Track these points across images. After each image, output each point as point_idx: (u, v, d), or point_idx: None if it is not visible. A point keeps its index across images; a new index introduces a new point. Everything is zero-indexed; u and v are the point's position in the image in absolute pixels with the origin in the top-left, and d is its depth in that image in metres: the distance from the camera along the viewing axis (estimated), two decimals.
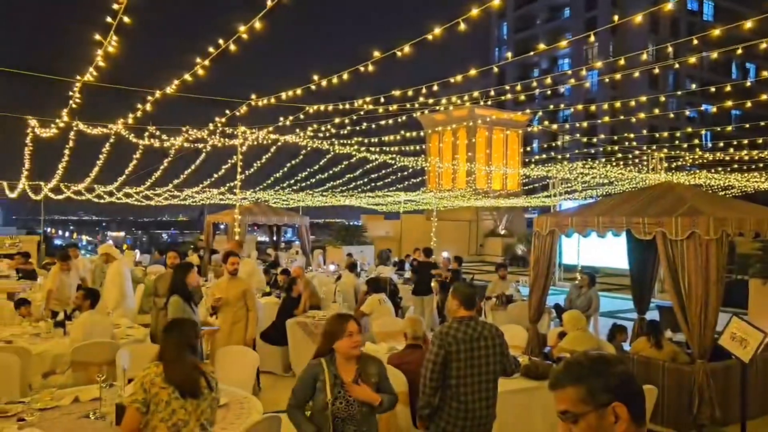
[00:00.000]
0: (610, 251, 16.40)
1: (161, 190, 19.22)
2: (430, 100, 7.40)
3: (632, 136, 17.08)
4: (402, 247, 28.81)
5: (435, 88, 6.47)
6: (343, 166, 16.56)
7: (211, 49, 5.12)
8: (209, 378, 3.67)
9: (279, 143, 11.24)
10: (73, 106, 6.73)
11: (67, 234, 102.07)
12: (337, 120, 8.88)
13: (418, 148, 15.54)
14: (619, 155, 18.90)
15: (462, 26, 4.79)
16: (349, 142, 11.57)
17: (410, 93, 6.82)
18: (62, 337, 7.32)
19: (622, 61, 7.35)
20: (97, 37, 4.84)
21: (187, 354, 3.66)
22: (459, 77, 6.25)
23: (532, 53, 12.00)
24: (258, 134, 9.97)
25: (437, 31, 4.93)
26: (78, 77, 5.73)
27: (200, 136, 10.12)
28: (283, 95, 6.51)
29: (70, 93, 6.35)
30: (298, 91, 6.40)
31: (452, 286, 4.94)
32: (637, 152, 18.03)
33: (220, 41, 5.11)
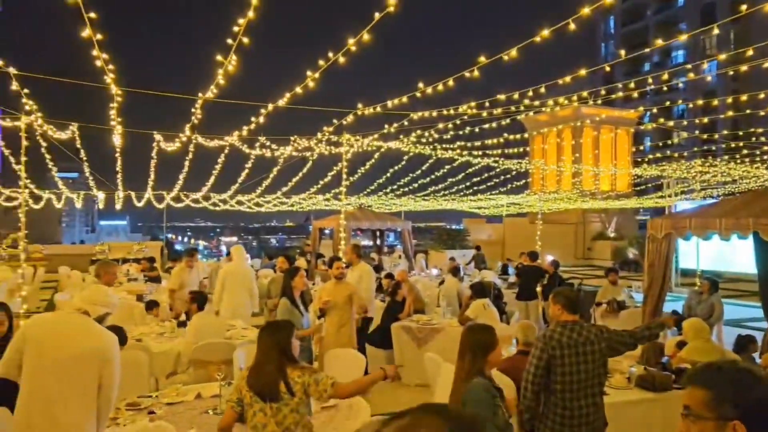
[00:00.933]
0: (733, 254, 15.24)
1: (271, 197, 20.11)
2: (536, 102, 7.21)
3: (759, 130, 15.77)
4: (505, 250, 28.29)
5: (543, 90, 6.30)
6: (445, 170, 16.58)
7: (321, 62, 5.31)
8: (291, 383, 3.65)
9: (382, 149, 11.44)
10: (195, 121, 7.23)
11: (185, 239, 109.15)
12: (440, 125, 8.89)
13: (521, 150, 15.22)
14: (745, 152, 17.52)
15: (572, 26, 4.64)
16: (451, 146, 11.58)
17: (516, 96, 6.69)
18: (184, 336, 7.81)
19: (750, 51, 6.77)
20: (219, 57, 5.15)
21: (275, 357, 3.70)
22: (568, 78, 6.06)
23: (647, 49, 11.34)
24: (363, 142, 10.21)
25: (545, 32, 4.80)
26: (200, 94, 6.15)
27: (307, 145, 10.50)
28: (389, 103, 6.62)
29: (192, 109, 6.85)
30: (404, 99, 6.48)
31: (553, 290, 4.79)
32: (766, 147, 16.64)
33: (330, 54, 5.29)
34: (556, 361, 4.21)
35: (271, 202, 21.83)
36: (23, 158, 8.85)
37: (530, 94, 6.65)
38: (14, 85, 5.91)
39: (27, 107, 6.91)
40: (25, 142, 8.65)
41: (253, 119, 7.42)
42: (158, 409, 4.83)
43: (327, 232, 22.17)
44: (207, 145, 9.93)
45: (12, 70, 5.44)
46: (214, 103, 6.35)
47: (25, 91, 6.12)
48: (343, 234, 11.22)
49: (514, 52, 5.17)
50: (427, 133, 9.26)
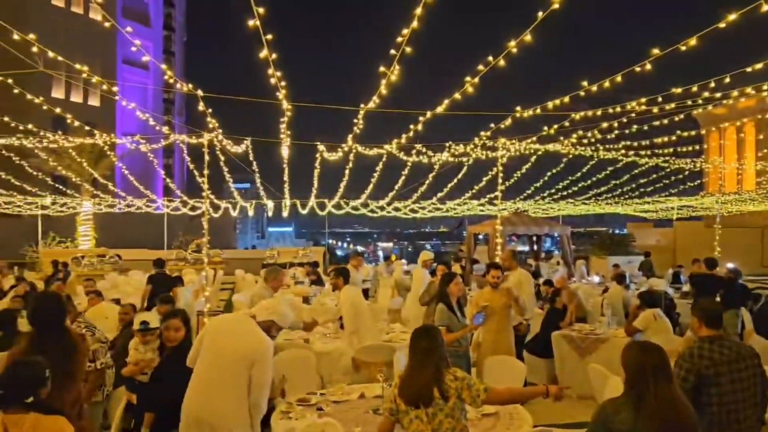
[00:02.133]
0: None
1: (426, 203, 20.40)
2: (718, 94, 6.49)
3: None
4: (676, 257, 26.07)
5: (727, 80, 5.68)
6: (607, 172, 15.58)
7: (480, 67, 5.29)
8: (444, 388, 3.59)
9: (540, 152, 11.10)
10: (356, 131, 7.56)
11: (345, 245, 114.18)
12: (604, 125, 8.37)
13: (694, 148, 13.90)
14: None
15: (765, 7, 4.13)
16: (615, 146, 10.88)
17: (695, 88, 6.09)
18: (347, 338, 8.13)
19: None
20: (381, 68, 5.32)
21: (430, 362, 3.64)
22: (759, 65, 5.41)
23: None
24: (519, 145, 9.98)
25: (732, 17, 4.32)
26: (362, 105, 6.43)
27: (463, 151, 10.47)
28: (550, 104, 6.40)
29: (355, 120, 7.17)
30: (566, 99, 6.23)
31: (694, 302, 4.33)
32: None
33: (489, 58, 5.24)
34: (709, 381, 3.80)
35: (426, 208, 22.14)
36: (206, 171, 9.80)
37: (712, 85, 6.02)
38: (200, 106, 6.63)
39: (210, 125, 7.66)
40: (207, 157, 9.60)
41: (411, 127, 7.57)
42: (326, 406, 5.09)
43: (481, 237, 21.96)
44: (366, 154, 10.32)
45: (200, 93, 6.09)
46: (375, 113, 6.59)
47: (209, 110, 6.82)
48: (499, 239, 11.02)
49: (693, 41, 4.71)
50: (589, 134, 8.78)
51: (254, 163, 13.00)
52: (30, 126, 9.20)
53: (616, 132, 8.81)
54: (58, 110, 8.34)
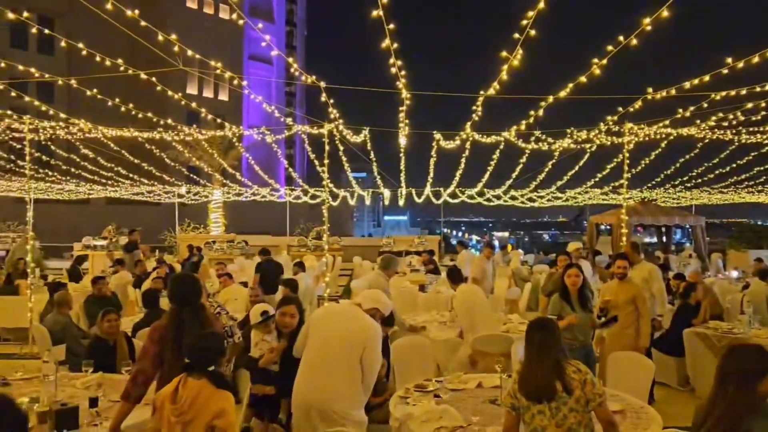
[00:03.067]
0: None
1: (544, 191, 19.78)
2: None
3: None
4: None
5: None
6: (750, 157, 14.12)
7: (609, 47, 4.96)
8: (567, 380, 3.47)
9: (671, 137, 10.33)
10: (475, 119, 7.44)
11: (459, 233, 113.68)
12: (749, 105, 7.56)
13: None
14: None
15: None
16: (760, 129, 9.80)
17: None
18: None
19: None
20: (504, 53, 5.17)
21: (549, 354, 3.54)
22: None
23: None
24: (648, 130, 9.31)
25: None
26: (481, 92, 6.30)
27: (585, 137, 9.96)
28: (687, 84, 5.88)
29: (473, 107, 7.05)
30: (705, 78, 5.69)
31: None
32: None
33: (620, 38, 4.91)
34: None
35: (545, 196, 21.47)
36: (326, 161, 10.10)
37: None
38: (322, 97, 6.83)
39: (332, 116, 7.86)
40: (327, 147, 9.89)
41: (531, 113, 7.31)
42: (443, 394, 5.09)
43: (604, 227, 20.96)
44: (483, 142, 10.13)
45: (322, 84, 6.27)
46: (494, 100, 6.46)
47: (331, 101, 7.01)
48: (624, 230, 10.44)
49: None
50: (731, 116, 7.94)
51: (372, 152, 13.22)
52: (169, 120, 9.96)
53: (763, 113, 7.90)
54: (194, 105, 8.95)
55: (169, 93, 7.65)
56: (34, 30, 6.13)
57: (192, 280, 4.46)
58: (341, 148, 12.39)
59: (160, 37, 5.80)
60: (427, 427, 4.33)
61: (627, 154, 9.87)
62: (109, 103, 7.75)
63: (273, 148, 15.71)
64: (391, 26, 4.87)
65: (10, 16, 5.62)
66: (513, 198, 21.92)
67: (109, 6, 4.98)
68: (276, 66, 53.27)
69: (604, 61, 5.13)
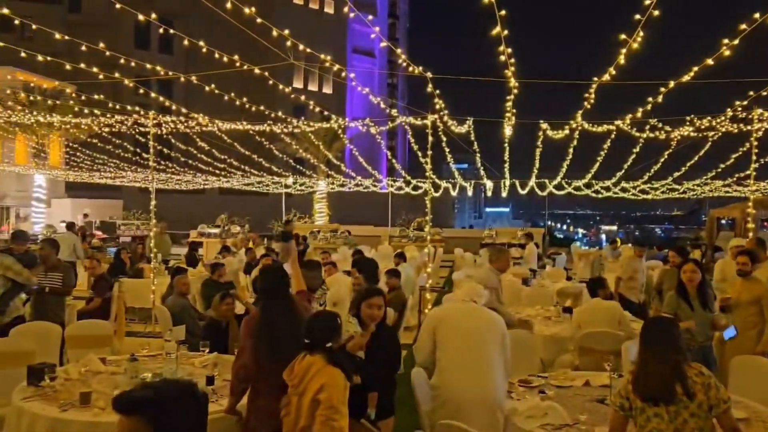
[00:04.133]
0: None
1: (658, 183, 18.65)
2: None
3: None
4: None
5: None
6: None
7: (743, 26, 4.52)
8: (689, 383, 3.27)
9: None
10: (587, 106, 7.08)
11: (564, 227, 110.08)
12: None
13: None
14: None
15: None
16: None
17: None
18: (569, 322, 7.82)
19: None
20: (622, 36, 4.87)
21: (668, 355, 3.36)
22: None
23: None
24: None
25: None
26: (595, 78, 5.98)
27: (707, 124, 9.20)
28: None
29: (585, 95, 6.69)
30: None
31: None
32: None
33: (756, 15, 4.47)
34: None
35: (659, 189, 20.25)
36: (429, 152, 10.09)
37: None
38: (429, 88, 6.78)
39: (437, 106, 7.81)
40: (430, 138, 9.87)
41: (650, 99, 6.84)
42: (548, 390, 4.95)
43: (725, 222, 19.50)
44: (593, 131, 9.66)
45: (429, 75, 6.24)
46: (608, 87, 6.11)
47: (437, 91, 6.96)
48: (751, 225, 9.63)
49: None
50: None
51: (475, 143, 13.03)
52: (280, 113, 10.34)
53: None
54: (302, 98, 9.23)
55: (280, 87, 7.92)
56: (160, 30, 6.55)
57: (280, 272, 4.55)
58: (444, 138, 12.32)
59: (274, 33, 6.01)
60: (532, 423, 4.23)
61: (755, 143, 9.09)
62: (225, 98, 8.15)
63: (376, 139, 15.92)
64: (503, 12, 4.74)
65: (140, 17, 6.04)
66: (624, 190, 20.85)
67: (228, 5, 5.23)
68: (378, 59, 53.90)
69: (736, 41, 4.65)
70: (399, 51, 5.77)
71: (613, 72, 5.42)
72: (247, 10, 5.55)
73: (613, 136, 10.57)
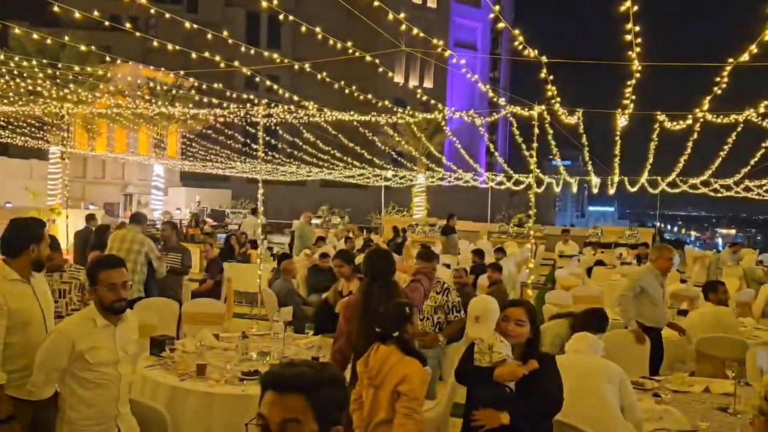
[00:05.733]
0: None
1: None
2: None
3: None
4: None
5: None
6: None
7: None
8: None
9: None
10: (718, 92, 6.41)
11: (675, 228, 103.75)
12: None
13: None
14: None
15: None
16: None
17: None
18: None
19: None
20: None
21: None
22: None
23: None
24: None
25: None
26: (730, 60, 5.37)
27: None
28: None
29: (717, 79, 6.05)
30: None
31: None
32: None
33: None
34: None
35: None
36: (534, 144, 9.77)
37: None
38: (542, 73, 6.48)
39: (549, 92, 7.48)
40: (536, 130, 9.56)
41: None
42: (664, 394, 4.67)
43: None
44: (716, 122, 8.87)
45: (543, 59, 5.94)
46: (744, 70, 5.46)
47: (551, 77, 6.65)
48: None
49: None
50: None
51: (584, 135, 12.44)
52: (386, 102, 10.32)
53: None
54: (410, 85, 9.20)
55: (389, 74, 7.94)
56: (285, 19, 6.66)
57: (386, 254, 4.52)
58: (550, 132, 11.89)
59: (390, 16, 6.01)
60: (647, 426, 4.01)
61: None
62: (335, 86, 8.29)
63: (476, 133, 15.70)
64: None
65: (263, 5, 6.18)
66: (747, 189, 19.20)
67: None
68: (481, 51, 53.18)
69: None
70: (516, 32, 5.44)
71: (754, 50, 4.80)
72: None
73: (740, 129, 9.65)
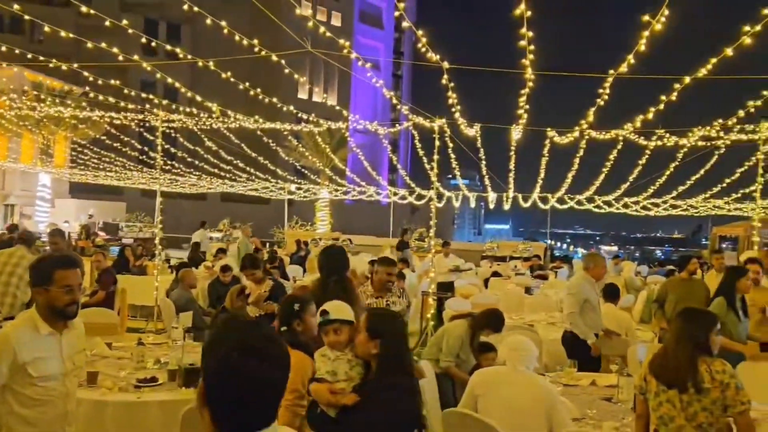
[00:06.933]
0: None
1: (661, 200, 18.55)
2: None
3: None
4: None
5: None
6: None
7: (765, 11, 4.29)
8: (699, 378, 3.28)
9: None
10: (600, 103, 6.78)
11: (564, 246, 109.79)
12: None
13: None
14: None
15: None
16: None
17: None
18: None
19: None
20: (645, 17, 4.61)
21: (685, 346, 3.39)
22: None
23: None
24: None
25: None
26: (611, 71, 5.67)
27: (717, 129, 8.90)
28: None
29: (600, 90, 6.37)
30: None
31: None
32: None
33: (765, 10, 4.23)
34: None
35: (661, 205, 20.19)
36: (435, 156, 10.06)
37: None
38: (443, 80, 6.63)
39: (450, 101, 7.64)
40: (437, 143, 9.85)
41: (663, 98, 6.53)
42: (556, 387, 4.95)
43: (724, 246, 19.49)
44: (599, 139, 9.46)
45: (445, 64, 6.08)
46: (626, 83, 5.80)
47: (451, 84, 6.83)
48: (756, 237, 9.64)
49: None
50: None
51: (481, 149, 12.93)
52: (291, 108, 10.16)
53: None
54: (316, 98, 9.17)
55: (295, 76, 7.92)
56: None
57: (341, 251, 4.65)
58: (450, 145, 12.25)
59: (298, 11, 5.99)
60: None
61: (762, 156, 9.06)
62: (240, 86, 8.12)
63: (382, 146, 15.95)
64: None
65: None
66: (626, 206, 20.76)
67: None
68: (384, 71, 54.29)
69: (758, 28, 4.40)
70: (420, 33, 5.55)
71: (632, 61, 5.13)
72: None
73: (619, 146, 10.36)
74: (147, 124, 11.74)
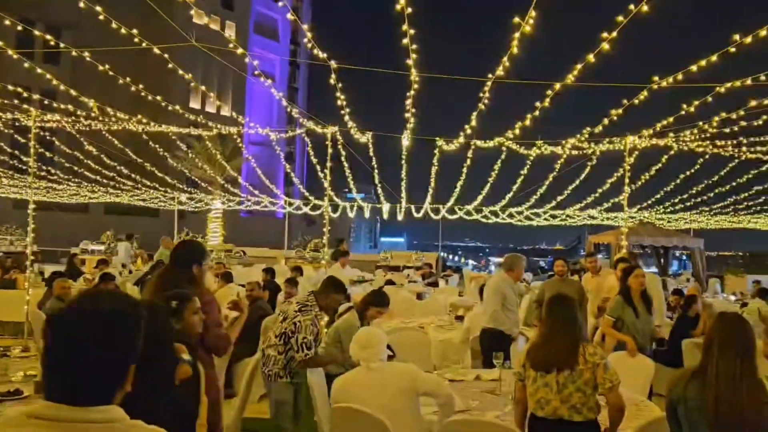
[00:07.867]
0: None
1: (542, 209, 19.64)
2: None
3: None
4: None
5: None
6: (750, 175, 13.11)
7: (620, 18, 4.58)
8: (579, 359, 3.51)
9: (671, 152, 10.08)
10: (481, 107, 6.99)
11: (455, 258, 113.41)
12: (752, 103, 6.63)
13: None
14: None
15: None
16: (761, 139, 9.11)
17: None
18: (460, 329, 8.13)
19: None
20: (516, 19, 4.80)
21: (568, 329, 3.60)
22: None
23: None
24: (648, 138, 8.94)
25: None
26: (490, 75, 5.82)
27: (583, 143, 9.54)
28: (694, 67, 5.35)
29: (480, 94, 6.57)
30: (713, 58, 5.17)
31: None
32: None
33: (620, 17, 4.44)
34: None
35: (542, 215, 21.38)
36: (328, 164, 10.05)
37: None
38: (332, 80, 6.59)
39: (338, 102, 7.59)
40: (330, 149, 9.85)
41: (537, 104, 6.85)
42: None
43: (601, 249, 20.95)
44: (485, 147, 9.78)
45: (333, 64, 6.03)
46: (505, 86, 6.00)
47: (340, 85, 6.81)
48: (625, 242, 10.44)
49: None
50: (734, 115, 7.30)
51: (373, 159, 13.06)
52: (176, 107, 9.71)
53: (765, 118, 7.34)
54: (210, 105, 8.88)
55: (179, 72, 7.63)
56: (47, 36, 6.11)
57: (197, 244, 4.52)
58: (343, 153, 12.31)
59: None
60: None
61: (628, 167, 9.83)
62: (120, 81, 7.69)
63: (277, 157, 15.71)
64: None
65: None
66: (511, 216, 21.77)
67: None
68: (279, 83, 53.79)
69: (614, 34, 4.72)
70: (309, 35, 5.50)
71: (507, 64, 5.33)
72: None
73: (503, 156, 10.80)
74: (18, 124, 10.84)
